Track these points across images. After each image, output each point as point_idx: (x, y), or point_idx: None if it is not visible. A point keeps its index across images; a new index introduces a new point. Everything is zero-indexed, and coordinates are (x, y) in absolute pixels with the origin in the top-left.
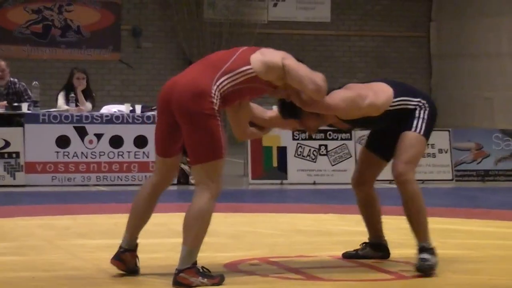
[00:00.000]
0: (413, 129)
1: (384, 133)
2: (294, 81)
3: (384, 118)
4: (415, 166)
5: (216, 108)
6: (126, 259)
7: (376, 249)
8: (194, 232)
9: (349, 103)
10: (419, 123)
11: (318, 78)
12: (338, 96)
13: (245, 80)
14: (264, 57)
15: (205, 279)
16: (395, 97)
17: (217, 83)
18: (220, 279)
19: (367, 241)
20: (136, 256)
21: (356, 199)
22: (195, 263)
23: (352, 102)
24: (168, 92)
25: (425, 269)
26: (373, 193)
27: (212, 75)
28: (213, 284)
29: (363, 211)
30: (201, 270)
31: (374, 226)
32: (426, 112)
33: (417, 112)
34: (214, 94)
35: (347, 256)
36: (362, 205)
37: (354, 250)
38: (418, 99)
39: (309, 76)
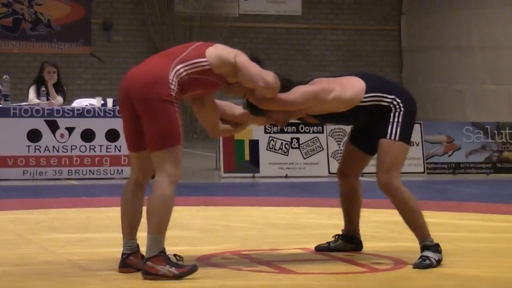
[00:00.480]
0: (388, 136)
1: (365, 128)
2: (244, 79)
3: (356, 113)
4: (398, 171)
5: (174, 94)
6: (132, 263)
7: (348, 241)
8: (157, 219)
9: (310, 98)
10: (393, 129)
11: (268, 76)
12: (298, 91)
13: (200, 72)
14: (217, 50)
15: (173, 268)
16: (367, 92)
17: (174, 70)
18: (191, 269)
19: (339, 233)
20: (141, 255)
21: (339, 190)
22: (163, 251)
23: (314, 96)
24: (127, 84)
25: (421, 268)
26: (357, 186)
27: (169, 62)
28: (181, 273)
29: (344, 203)
30: (170, 258)
31: (352, 219)
32: (401, 113)
33: (391, 114)
34: (172, 80)
35: (319, 249)
36: (344, 197)
37: (326, 243)
38: (393, 97)
39: (259, 74)
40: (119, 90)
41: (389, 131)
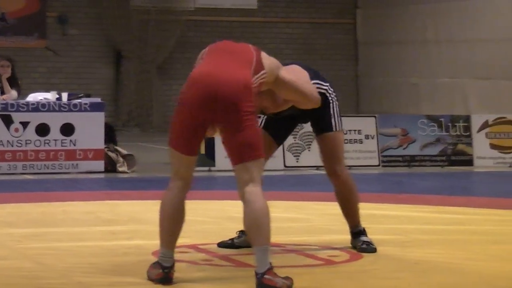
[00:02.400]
0: (334, 128)
1: (283, 118)
2: (292, 94)
3: None
4: (344, 159)
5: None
6: (171, 277)
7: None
8: (266, 229)
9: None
10: (335, 120)
11: (315, 91)
12: (310, 86)
13: (259, 85)
14: (268, 61)
15: (285, 280)
16: (310, 79)
17: (253, 80)
18: (292, 281)
19: (242, 229)
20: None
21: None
22: (271, 263)
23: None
24: (212, 87)
25: (371, 251)
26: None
27: (249, 70)
28: (290, 284)
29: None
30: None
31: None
32: (337, 105)
33: (331, 106)
34: (253, 92)
35: (222, 245)
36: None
37: (229, 240)
38: (327, 85)
39: (311, 92)
40: (192, 91)
41: (333, 124)
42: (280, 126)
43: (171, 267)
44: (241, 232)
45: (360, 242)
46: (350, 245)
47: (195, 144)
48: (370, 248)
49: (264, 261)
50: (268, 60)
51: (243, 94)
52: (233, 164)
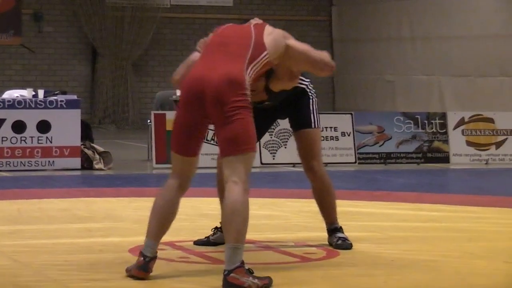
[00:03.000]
0: (312, 125)
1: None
2: (302, 63)
3: (281, 92)
4: (321, 156)
5: (249, 99)
6: (151, 268)
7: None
8: (235, 227)
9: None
10: (315, 117)
11: (327, 56)
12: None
13: (263, 66)
14: (271, 36)
15: (256, 279)
16: None
17: (247, 73)
18: (269, 281)
19: (218, 225)
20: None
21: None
22: (243, 262)
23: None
24: (200, 85)
25: (347, 247)
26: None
27: (242, 65)
28: (263, 285)
29: (220, 190)
30: (249, 270)
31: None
32: (316, 102)
33: (310, 102)
34: (247, 84)
35: (199, 243)
36: (220, 186)
37: (205, 237)
38: (308, 81)
39: (321, 58)
40: (185, 90)
41: (312, 120)
42: (260, 122)
43: (153, 258)
44: (216, 228)
45: (335, 239)
46: (327, 242)
47: (191, 145)
48: (345, 244)
49: (232, 259)
50: (270, 35)
51: (229, 89)
52: (222, 156)
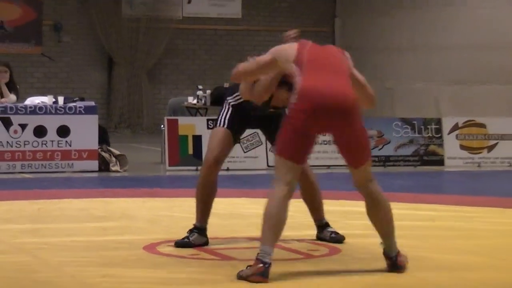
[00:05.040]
0: None
1: (249, 117)
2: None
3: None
4: None
5: None
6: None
7: (202, 234)
8: (393, 224)
9: None
10: None
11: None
12: None
13: None
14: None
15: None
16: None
17: None
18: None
19: (192, 227)
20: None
21: (205, 181)
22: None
23: None
24: (336, 100)
25: (341, 239)
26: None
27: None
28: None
29: (204, 194)
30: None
31: (207, 211)
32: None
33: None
34: None
35: (180, 245)
36: (202, 188)
37: (185, 238)
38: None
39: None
40: (313, 103)
41: None
42: (243, 127)
43: (270, 264)
44: (191, 231)
45: (329, 233)
46: (316, 238)
47: (306, 153)
48: (339, 236)
49: (393, 247)
50: (349, 60)
51: (355, 105)
52: (354, 167)
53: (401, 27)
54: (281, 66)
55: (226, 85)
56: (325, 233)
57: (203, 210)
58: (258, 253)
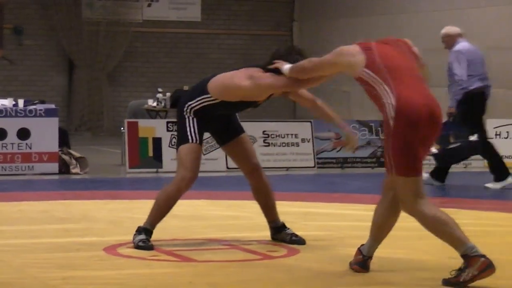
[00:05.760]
0: (243, 129)
1: (208, 120)
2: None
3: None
4: None
5: None
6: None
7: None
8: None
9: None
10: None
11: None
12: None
13: None
14: None
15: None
16: None
17: None
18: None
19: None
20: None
21: (178, 196)
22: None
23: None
24: (432, 110)
25: (302, 242)
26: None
27: None
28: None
29: (170, 206)
30: None
31: (161, 219)
32: None
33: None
34: None
35: (142, 247)
36: (172, 200)
37: (143, 240)
38: None
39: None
40: (423, 113)
41: (240, 125)
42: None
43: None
44: (143, 232)
45: (289, 235)
46: (271, 238)
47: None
48: (300, 239)
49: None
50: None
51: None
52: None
53: (357, 32)
54: (341, 70)
55: (186, 88)
56: (283, 235)
57: (162, 217)
58: (465, 254)
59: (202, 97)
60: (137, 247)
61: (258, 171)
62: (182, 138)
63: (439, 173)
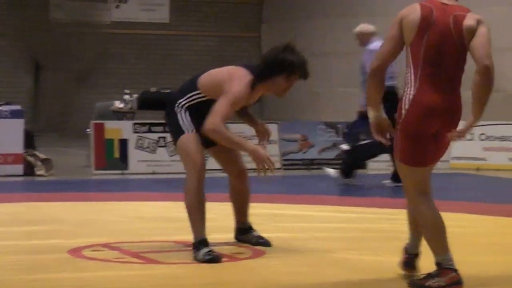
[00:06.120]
0: None
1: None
2: None
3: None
4: None
5: None
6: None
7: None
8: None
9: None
10: None
11: None
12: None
13: None
14: None
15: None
16: None
17: None
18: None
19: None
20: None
21: (200, 185)
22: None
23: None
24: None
25: (268, 244)
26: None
27: None
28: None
29: (201, 200)
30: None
31: (204, 219)
32: None
33: None
34: None
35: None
36: (199, 194)
37: (213, 255)
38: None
39: None
40: (437, 109)
41: None
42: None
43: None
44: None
45: (255, 238)
46: (235, 239)
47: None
48: (265, 241)
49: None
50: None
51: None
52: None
53: (325, 34)
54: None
55: (153, 89)
56: (250, 236)
57: (203, 219)
58: (440, 263)
59: (193, 93)
60: (206, 261)
61: (245, 174)
62: (177, 132)
63: (348, 170)
